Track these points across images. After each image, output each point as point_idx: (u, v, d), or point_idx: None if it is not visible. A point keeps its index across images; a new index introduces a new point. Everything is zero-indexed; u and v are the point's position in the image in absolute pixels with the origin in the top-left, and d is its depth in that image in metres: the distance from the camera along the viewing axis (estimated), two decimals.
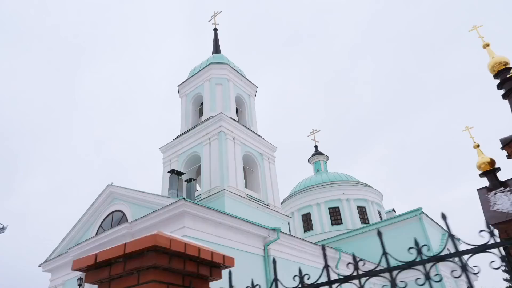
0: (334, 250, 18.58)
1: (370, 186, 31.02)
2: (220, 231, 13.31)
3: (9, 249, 54.49)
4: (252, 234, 14.51)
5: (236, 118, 21.28)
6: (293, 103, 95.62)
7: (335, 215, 28.85)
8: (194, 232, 12.32)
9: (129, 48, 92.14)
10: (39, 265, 16.86)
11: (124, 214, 14.60)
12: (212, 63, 22.86)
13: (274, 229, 15.06)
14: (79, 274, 14.84)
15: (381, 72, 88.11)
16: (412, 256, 1.86)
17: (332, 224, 28.45)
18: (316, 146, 36.06)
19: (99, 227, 15.40)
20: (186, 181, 17.55)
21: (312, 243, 17.61)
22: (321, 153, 35.44)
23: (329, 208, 29.21)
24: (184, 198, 11.99)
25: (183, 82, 23.91)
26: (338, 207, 29.03)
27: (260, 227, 14.67)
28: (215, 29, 28.09)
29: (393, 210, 26.50)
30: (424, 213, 22.96)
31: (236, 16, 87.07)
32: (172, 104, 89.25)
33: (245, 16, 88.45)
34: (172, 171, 17.18)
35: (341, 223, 28.36)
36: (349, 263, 1.88)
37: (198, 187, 20.25)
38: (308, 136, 36.48)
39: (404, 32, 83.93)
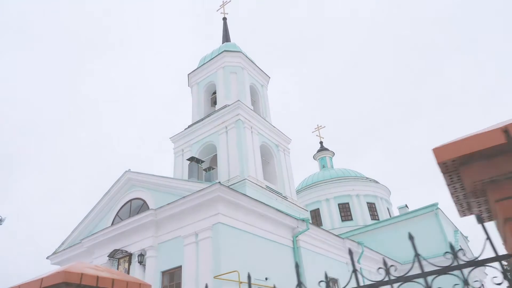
0: (356, 244, 17.91)
1: (378, 182, 30.55)
2: (251, 219, 12.50)
3: (7, 249, 52.85)
4: (281, 224, 13.72)
5: (252, 108, 20.48)
6: (293, 105, 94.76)
7: (345, 211, 28.21)
8: (227, 219, 11.49)
9: (130, 50, 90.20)
10: (47, 258, 15.67)
11: (144, 202, 13.62)
12: (225, 51, 22.02)
13: (303, 220, 14.31)
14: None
15: (381, 77, 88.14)
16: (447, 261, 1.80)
17: (342, 220, 27.82)
18: (321, 142, 35.47)
19: (115, 216, 14.35)
20: (204, 170, 16.69)
21: (337, 236, 16.93)
22: (326, 149, 34.86)
23: (338, 204, 28.58)
24: (219, 182, 11.14)
25: (194, 70, 23.00)
26: (348, 203, 28.41)
27: (290, 217, 13.90)
28: (225, 18, 27.29)
29: (406, 206, 26.01)
30: (439, 208, 22.49)
31: (238, 19, 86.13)
32: (173, 106, 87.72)
33: (245, 18, 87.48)
34: (192, 159, 16.33)
35: (351, 219, 27.75)
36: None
37: None
38: (312, 132, 35.82)
39: (405, 41, 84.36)
